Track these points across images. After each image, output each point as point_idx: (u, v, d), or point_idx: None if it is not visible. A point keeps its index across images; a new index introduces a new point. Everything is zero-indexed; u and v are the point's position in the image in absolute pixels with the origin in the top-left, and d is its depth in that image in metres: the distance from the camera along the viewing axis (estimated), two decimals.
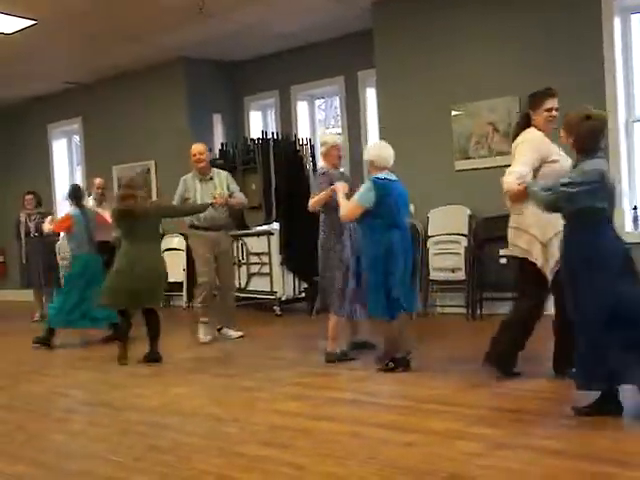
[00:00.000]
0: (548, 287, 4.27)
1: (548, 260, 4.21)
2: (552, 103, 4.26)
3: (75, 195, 7.25)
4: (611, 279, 3.63)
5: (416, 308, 5.28)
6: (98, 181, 8.33)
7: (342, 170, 5.81)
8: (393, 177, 5.18)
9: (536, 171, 4.19)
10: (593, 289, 3.64)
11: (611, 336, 3.59)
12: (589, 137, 3.72)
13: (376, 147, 5.32)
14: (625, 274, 3.66)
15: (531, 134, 4.31)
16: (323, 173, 5.70)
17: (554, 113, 4.25)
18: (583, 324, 3.69)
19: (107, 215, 7.22)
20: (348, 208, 5.13)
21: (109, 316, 6.69)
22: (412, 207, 5.40)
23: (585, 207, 3.64)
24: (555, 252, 4.07)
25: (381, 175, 5.11)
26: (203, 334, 6.70)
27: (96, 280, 6.73)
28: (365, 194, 5.06)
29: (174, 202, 6.83)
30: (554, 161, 4.18)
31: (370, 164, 5.19)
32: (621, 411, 3.63)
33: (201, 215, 6.59)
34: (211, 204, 6.51)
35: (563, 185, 3.67)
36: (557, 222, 3.90)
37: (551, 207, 3.84)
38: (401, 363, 5.01)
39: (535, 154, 4.22)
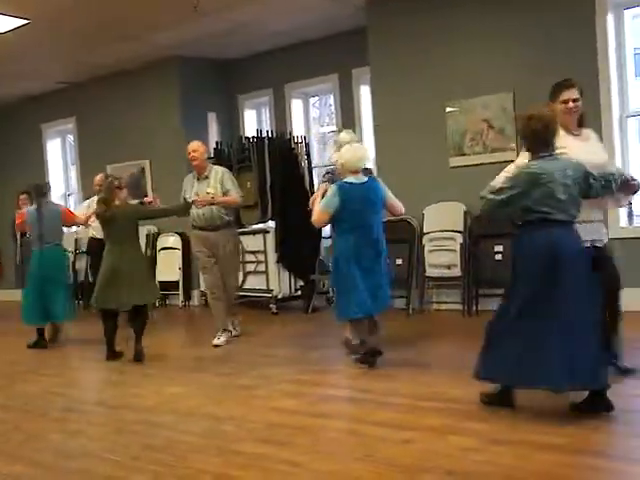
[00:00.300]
0: None
1: None
2: (568, 94, 4.20)
3: (34, 193, 7.37)
4: (529, 280, 3.71)
5: (376, 310, 5.10)
6: (97, 179, 8.31)
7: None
8: (362, 179, 5.15)
9: None
10: (513, 287, 3.79)
11: (512, 336, 3.70)
12: (531, 138, 3.81)
13: (346, 150, 5.25)
14: (558, 279, 3.64)
15: None
16: (327, 172, 5.73)
17: (570, 105, 4.18)
18: (497, 317, 3.85)
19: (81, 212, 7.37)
20: (316, 213, 5.20)
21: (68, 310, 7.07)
22: (394, 203, 5.27)
23: (523, 208, 3.74)
24: None
25: (348, 179, 5.14)
26: (216, 337, 6.48)
27: (54, 274, 7.07)
28: (330, 199, 5.11)
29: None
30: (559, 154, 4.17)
31: (341, 167, 5.22)
32: (609, 409, 3.63)
33: (194, 214, 6.46)
34: (192, 203, 6.35)
35: (492, 192, 3.81)
36: None
37: (488, 214, 4.02)
38: (366, 359, 5.08)
39: None
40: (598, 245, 4.13)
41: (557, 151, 3.81)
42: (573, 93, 4.19)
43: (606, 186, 3.85)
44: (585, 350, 3.58)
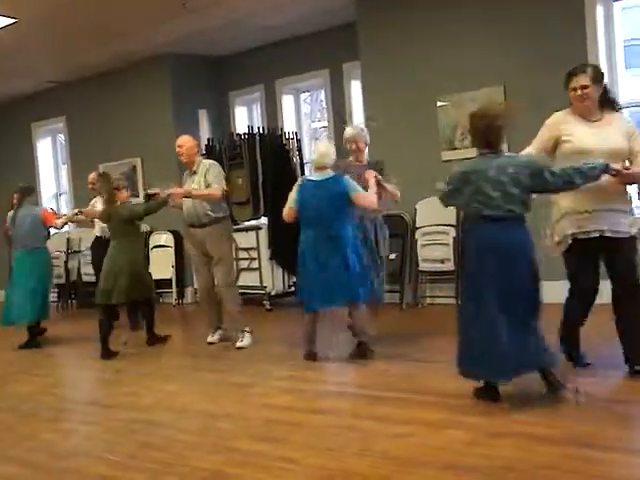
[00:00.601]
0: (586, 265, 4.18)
1: (554, 241, 4.22)
2: (575, 82, 4.15)
3: (18, 195, 7.49)
4: (471, 276, 3.89)
5: (326, 304, 5.27)
6: (90, 177, 8.26)
7: (363, 162, 5.63)
8: (324, 176, 5.24)
9: (554, 150, 4.20)
10: (462, 282, 4.00)
11: (468, 330, 3.87)
12: (473, 135, 3.96)
13: (313, 149, 5.49)
14: (493, 273, 3.76)
15: (553, 114, 4.29)
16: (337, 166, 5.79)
17: (578, 92, 4.13)
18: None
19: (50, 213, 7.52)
20: (285, 209, 5.40)
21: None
22: (358, 200, 5.20)
23: (459, 205, 3.98)
24: (559, 231, 4.15)
25: (310, 176, 5.33)
26: (210, 335, 6.45)
27: (29, 277, 7.15)
28: (293, 196, 5.33)
29: None
30: (565, 142, 4.14)
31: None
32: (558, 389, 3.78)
33: (183, 211, 6.34)
34: (168, 195, 6.23)
35: (445, 183, 4.02)
36: (564, 203, 4.09)
37: (441, 203, 4.19)
38: (305, 357, 5.31)
39: (547, 134, 4.23)
40: (608, 235, 4.04)
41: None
42: (581, 80, 4.13)
43: (569, 180, 3.83)
44: (516, 336, 3.72)
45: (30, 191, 7.59)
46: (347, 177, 5.25)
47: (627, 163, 4.09)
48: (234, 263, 6.35)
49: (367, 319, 5.49)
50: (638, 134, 4.15)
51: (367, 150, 5.80)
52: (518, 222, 3.85)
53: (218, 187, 6.20)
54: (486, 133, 3.85)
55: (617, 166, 3.92)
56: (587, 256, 4.12)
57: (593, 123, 4.16)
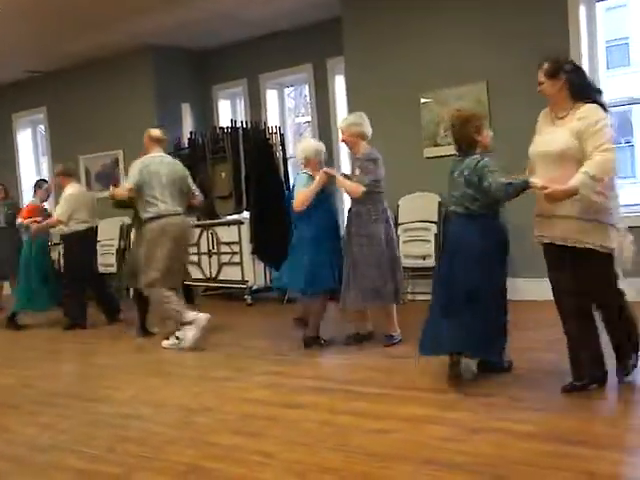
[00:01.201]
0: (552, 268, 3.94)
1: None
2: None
3: None
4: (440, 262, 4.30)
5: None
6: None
7: (358, 154, 5.49)
8: (300, 172, 5.69)
9: None
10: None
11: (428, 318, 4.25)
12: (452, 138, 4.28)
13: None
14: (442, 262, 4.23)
15: None
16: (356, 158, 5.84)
17: (539, 87, 3.87)
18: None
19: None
20: None
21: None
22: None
23: None
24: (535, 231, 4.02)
25: None
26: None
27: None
28: None
29: None
30: None
31: None
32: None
33: None
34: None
35: None
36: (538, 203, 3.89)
37: None
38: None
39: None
40: (559, 243, 3.77)
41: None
42: (538, 76, 3.85)
43: (495, 194, 3.96)
44: (439, 323, 4.09)
45: (39, 185, 8.07)
46: (302, 176, 5.50)
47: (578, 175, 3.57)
48: (155, 265, 5.93)
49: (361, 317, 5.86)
50: (594, 132, 3.62)
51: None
52: (477, 219, 4.06)
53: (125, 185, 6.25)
54: (455, 137, 4.16)
55: (537, 183, 3.65)
56: (553, 258, 3.88)
57: (559, 121, 3.82)
